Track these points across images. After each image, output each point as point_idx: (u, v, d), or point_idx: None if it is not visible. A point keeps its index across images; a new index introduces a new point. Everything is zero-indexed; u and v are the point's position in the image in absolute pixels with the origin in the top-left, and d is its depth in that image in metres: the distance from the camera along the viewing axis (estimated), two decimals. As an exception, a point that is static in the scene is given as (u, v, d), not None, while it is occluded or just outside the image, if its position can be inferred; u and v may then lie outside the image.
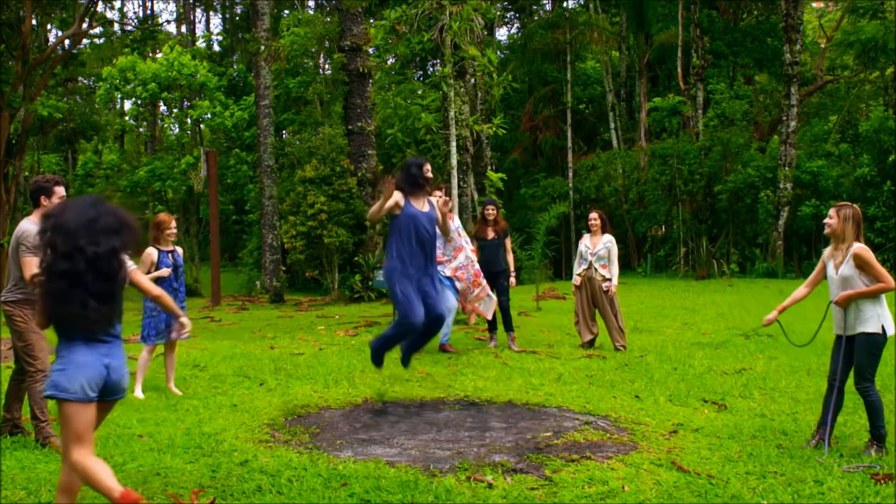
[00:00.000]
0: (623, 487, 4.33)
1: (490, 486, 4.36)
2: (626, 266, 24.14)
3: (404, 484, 4.35)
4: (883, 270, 4.99)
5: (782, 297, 5.95)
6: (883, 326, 4.97)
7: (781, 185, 20.76)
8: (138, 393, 6.71)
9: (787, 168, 20.76)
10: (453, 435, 5.58)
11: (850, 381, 5.17)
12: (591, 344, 9.38)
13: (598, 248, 9.30)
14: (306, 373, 7.81)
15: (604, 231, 9.42)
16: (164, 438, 5.31)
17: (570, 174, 26.50)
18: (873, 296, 4.98)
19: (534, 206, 25.23)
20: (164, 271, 6.75)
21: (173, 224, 6.90)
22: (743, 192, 21.91)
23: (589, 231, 9.47)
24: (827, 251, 5.25)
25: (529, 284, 18.54)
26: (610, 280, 9.26)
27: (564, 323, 11.89)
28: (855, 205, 5.18)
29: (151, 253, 6.79)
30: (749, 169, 21.77)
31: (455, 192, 12.66)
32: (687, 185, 22.92)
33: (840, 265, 5.06)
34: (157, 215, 7.02)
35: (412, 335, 6.36)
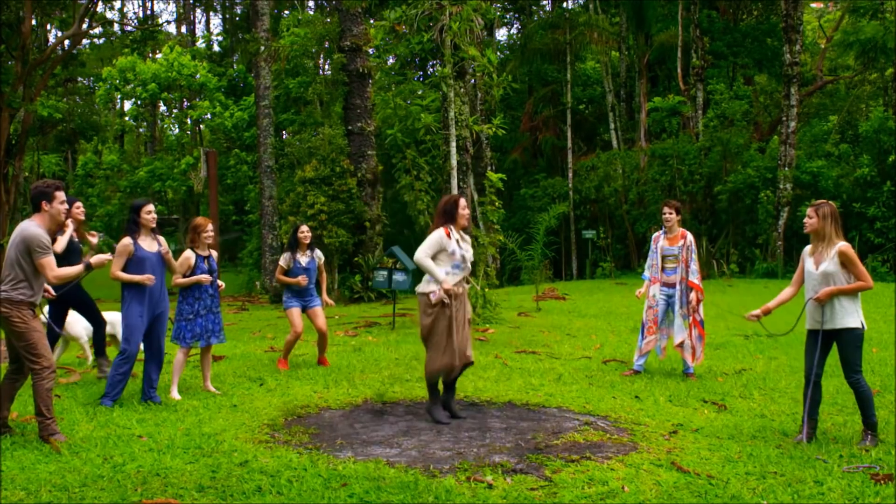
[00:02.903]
0: (623, 488, 4.33)
1: (490, 486, 4.36)
2: (626, 266, 24.13)
3: (404, 484, 4.35)
4: (864, 269, 5.24)
5: (783, 297, 5.94)
6: (861, 322, 5.25)
7: (781, 186, 20.75)
8: (174, 394, 6.71)
9: (786, 168, 20.75)
10: (453, 435, 5.58)
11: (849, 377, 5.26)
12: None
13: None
14: (306, 373, 7.81)
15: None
16: (164, 439, 5.31)
17: (570, 174, 26.48)
18: (853, 293, 5.20)
19: (533, 206, 25.22)
20: (205, 277, 6.71)
21: (209, 227, 6.83)
22: (743, 193, 21.89)
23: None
24: (808, 248, 5.43)
25: (529, 285, 18.55)
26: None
27: (564, 323, 11.90)
28: (831, 201, 5.40)
29: (189, 256, 6.76)
30: (749, 169, 21.76)
31: (455, 192, 12.65)
32: (687, 186, 22.91)
33: (822, 262, 5.25)
34: (195, 219, 6.97)
35: None
